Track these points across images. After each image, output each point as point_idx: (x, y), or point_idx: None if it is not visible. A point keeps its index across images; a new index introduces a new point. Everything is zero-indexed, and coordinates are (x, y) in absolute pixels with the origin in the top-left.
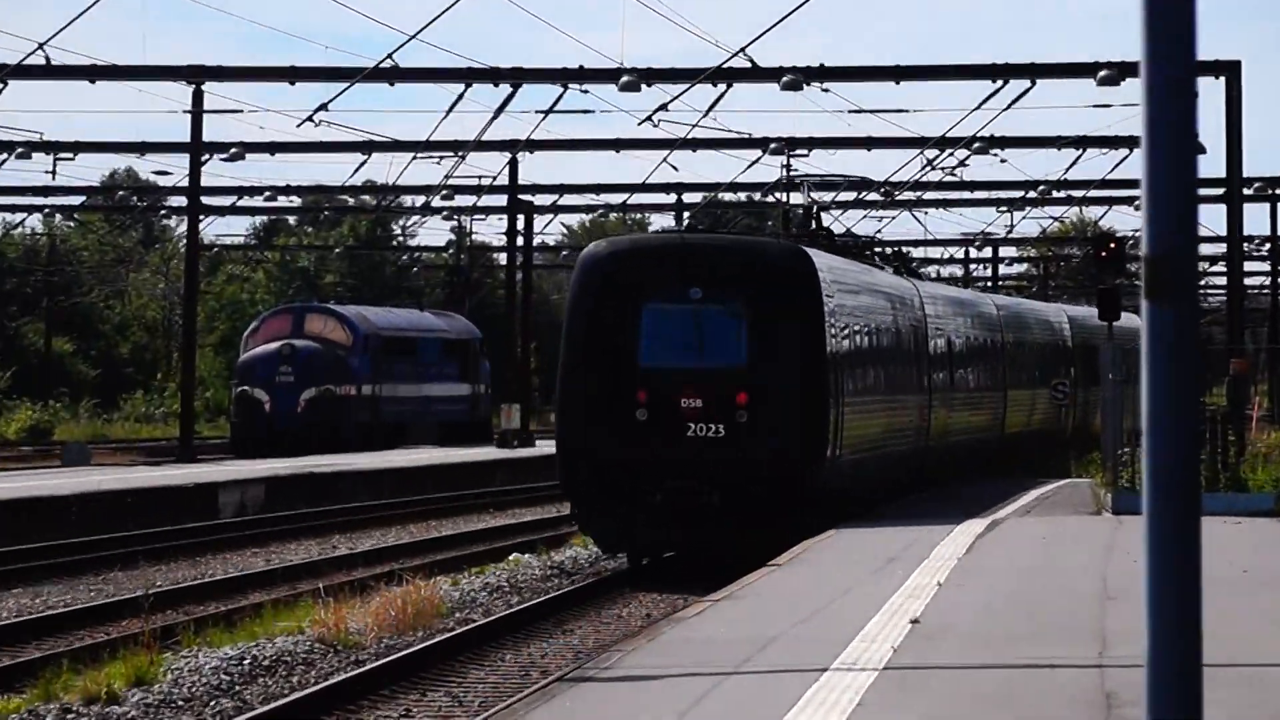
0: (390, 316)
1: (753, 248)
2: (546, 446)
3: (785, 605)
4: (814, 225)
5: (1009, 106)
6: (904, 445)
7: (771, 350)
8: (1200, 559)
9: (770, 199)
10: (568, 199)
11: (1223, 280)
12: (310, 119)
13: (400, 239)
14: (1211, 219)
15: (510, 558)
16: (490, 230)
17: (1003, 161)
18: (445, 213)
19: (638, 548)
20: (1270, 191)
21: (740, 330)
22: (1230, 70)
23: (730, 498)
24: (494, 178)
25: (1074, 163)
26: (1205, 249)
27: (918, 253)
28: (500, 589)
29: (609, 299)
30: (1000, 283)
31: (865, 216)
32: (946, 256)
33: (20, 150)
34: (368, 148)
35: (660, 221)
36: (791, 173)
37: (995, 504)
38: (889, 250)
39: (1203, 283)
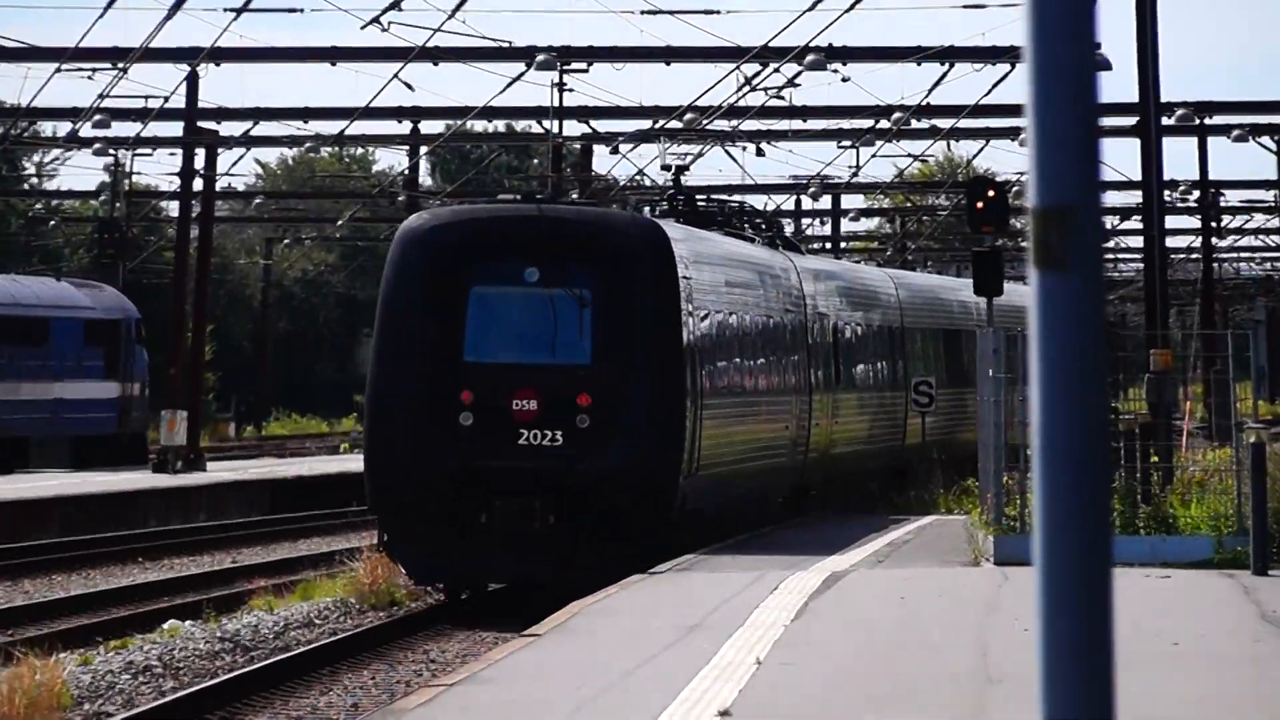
0: (7, 288)
1: (598, 220)
2: (223, 472)
3: (543, 693)
4: (674, 188)
5: (853, 6)
6: (779, 458)
7: (619, 343)
8: (1112, 628)
9: (537, 128)
10: (265, 128)
11: (1138, 241)
12: None
13: (34, 180)
14: (1121, 158)
15: (165, 626)
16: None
17: (845, 81)
18: (97, 145)
19: (459, 579)
20: (1198, 121)
21: (582, 319)
22: None
23: (569, 518)
24: (165, 99)
25: (938, 82)
26: (1113, 198)
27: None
28: (149, 670)
29: (429, 281)
30: (843, 242)
31: (663, 152)
32: (771, 208)
33: None
34: None
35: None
36: (567, 90)
37: (835, 547)
38: (759, 219)
39: (1111, 244)
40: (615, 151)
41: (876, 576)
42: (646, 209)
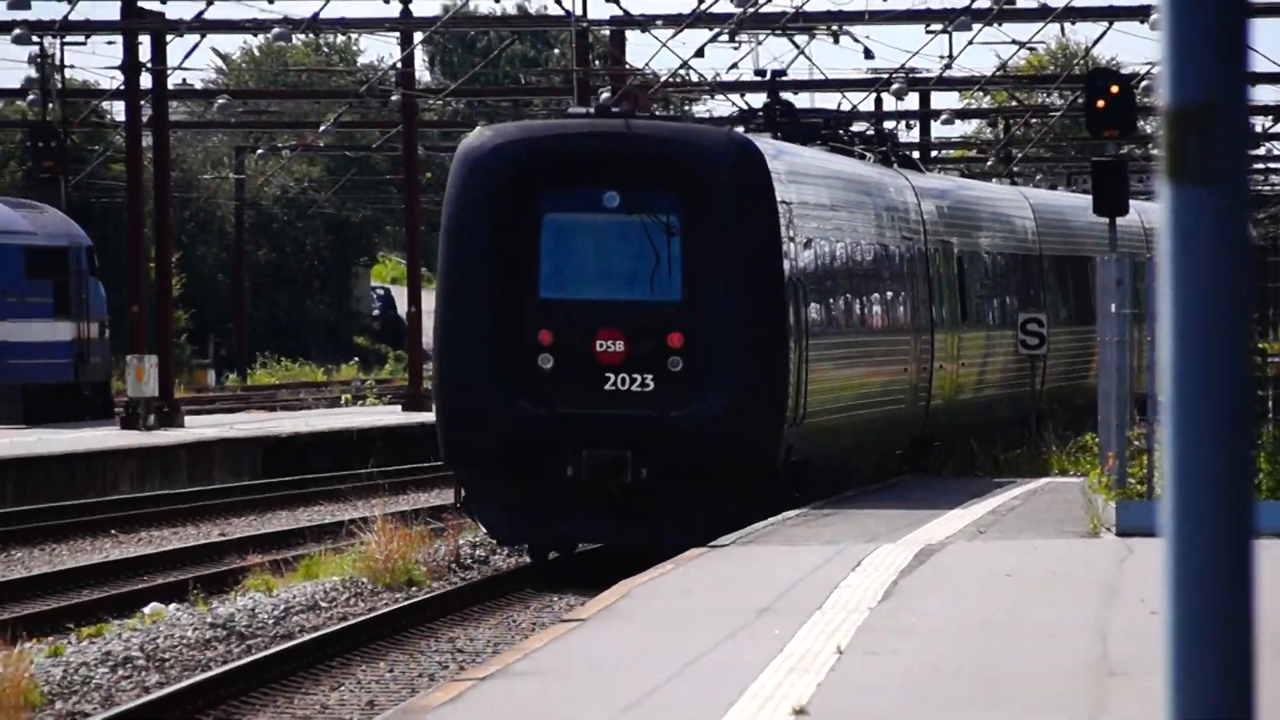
0: None
1: (685, 138)
2: (204, 428)
3: (588, 689)
4: (771, 99)
5: None
6: (897, 405)
7: (712, 276)
8: (1255, 610)
9: (556, 8)
10: (221, 8)
11: None
12: None
13: None
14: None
15: (146, 610)
16: (96, 64)
17: None
18: (17, 31)
19: (543, 538)
20: None
21: (670, 250)
22: None
23: (663, 471)
24: None
25: None
26: (1264, 94)
27: (801, 100)
28: (129, 662)
29: (497, 209)
30: (934, 150)
31: (712, 40)
32: (847, 109)
33: None
34: None
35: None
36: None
37: (928, 515)
38: (871, 131)
39: (1260, 151)
40: (655, 37)
41: (977, 550)
42: (740, 124)
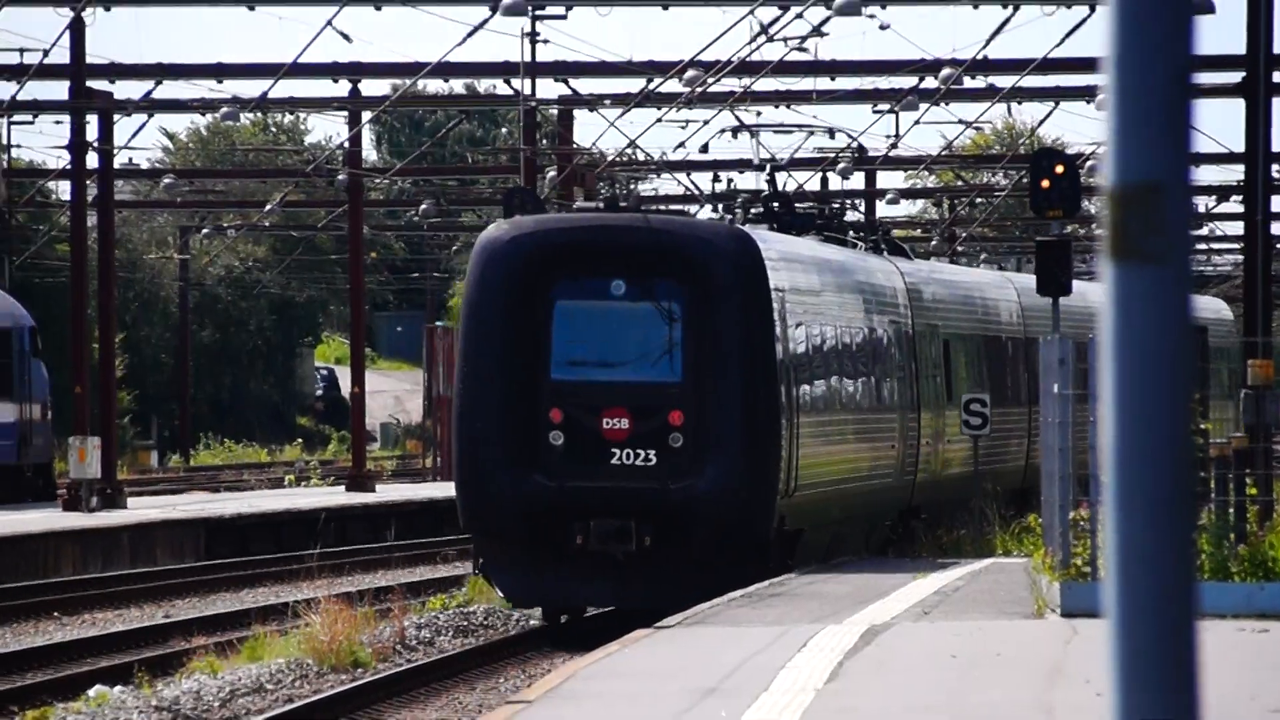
0: None
1: (685, 230)
2: (147, 509)
3: None
4: (769, 188)
5: None
6: (884, 479)
7: (711, 359)
8: (1200, 692)
9: (505, 88)
10: (170, 88)
11: (1237, 227)
12: None
13: None
14: (1221, 125)
15: (91, 693)
16: (43, 143)
17: (884, 29)
18: None
19: (554, 601)
20: None
21: (672, 334)
22: None
23: (664, 540)
24: (45, 52)
25: (999, 30)
26: (1207, 174)
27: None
28: None
29: (511, 295)
30: (879, 231)
31: (657, 121)
32: (793, 188)
33: None
34: None
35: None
36: (541, 42)
37: (872, 596)
38: (861, 222)
39: (1203, 230)
40: (604, 116)
41: (923, 631)
42: (738, 213)
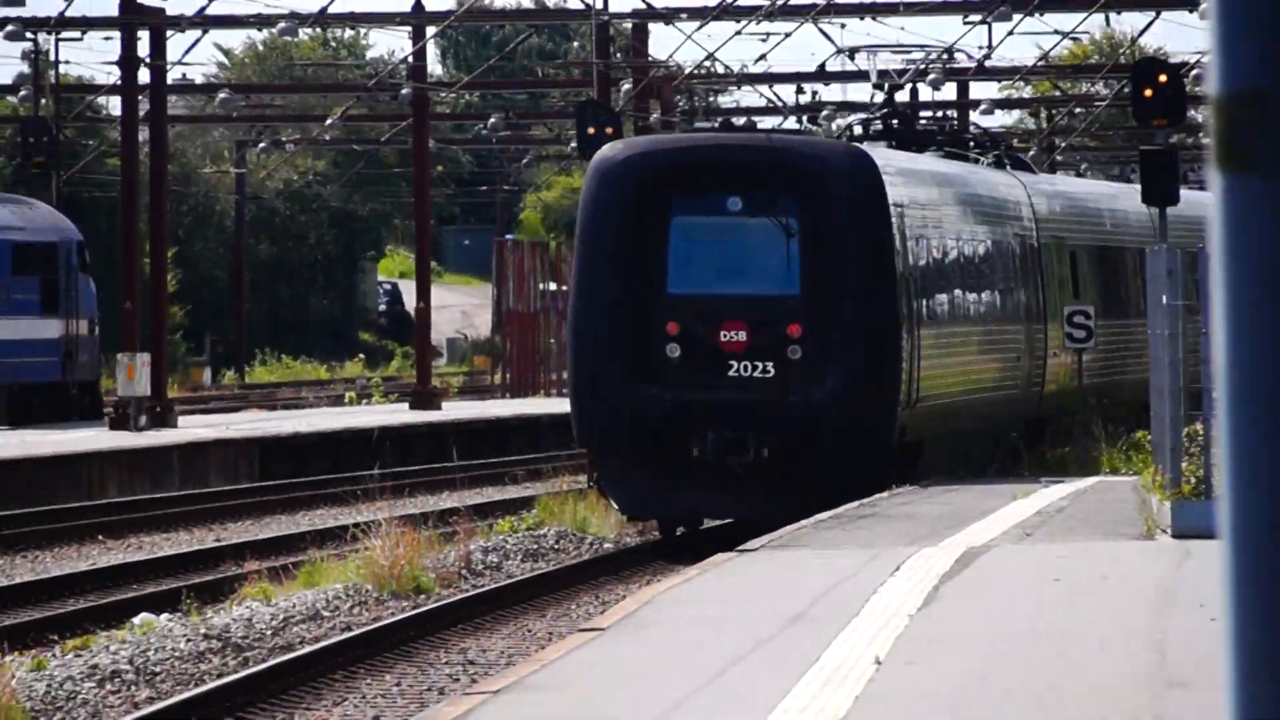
0: None
1: (802, 148)
2: (198, 428)
3: (607, 704)
4: (886, 108)
5: None
6: (1010, 390)
7: (828, 272)
8: None
9: (576, 2)
10: (224, 3)
11: None
12: None
13: None
14: None
15: (136, 620)
16: (92, 59)
17: None
18: (10, 27)
19: (669, 513)
20: None
21: (789, 248)
22: None
23: (783, 451)
24: None
25: None
26: None
27: (829, 93)
28: (118, 676)
29: (629, 212)
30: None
31: (736, 34)
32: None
33: None
34: None
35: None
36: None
37: (969, 517)
38: (984, 135)
39: None
40: (680, 30)
41: (1023, 554)
42: (858, 129)
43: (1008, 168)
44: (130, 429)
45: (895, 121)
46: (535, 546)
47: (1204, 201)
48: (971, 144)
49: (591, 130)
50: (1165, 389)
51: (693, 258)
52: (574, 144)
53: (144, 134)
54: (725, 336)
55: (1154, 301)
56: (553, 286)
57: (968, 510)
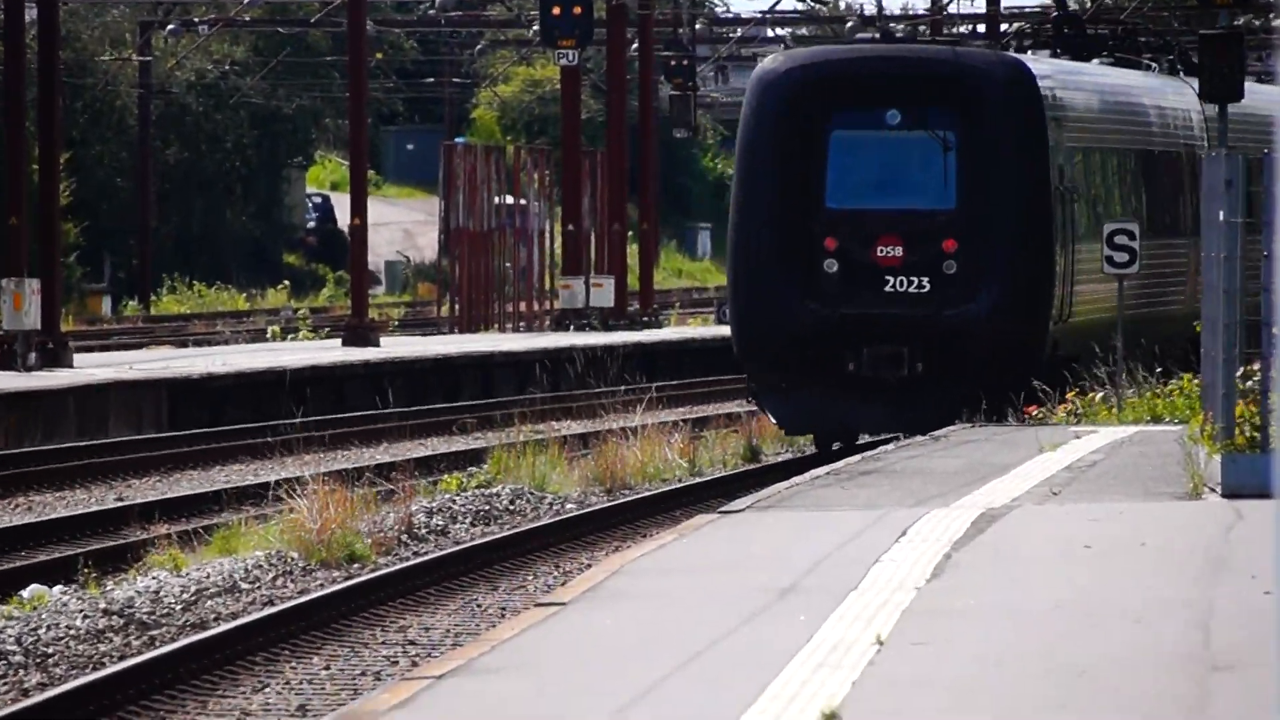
0: None
1: (959, 61)
2: (97, 368)
3: (569, 688)
4: (1057, 11)
5: None
6: (1172, 305)
7: (984, 187)
8: None
9: None
10: None
11: None
12: None
13: None
14: None
15: (26, 593)
16: None
17: None
18: None
19: (826, 427)
20: None
21: (946, 163)
22: None
23: (937, 366)
24: None
25: None
26: None
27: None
28: (4, 658)
29: (787, 126)
30: (1003, 23)
31: None
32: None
33: None
34: None
35: None
36: None
37: (988, 473)
38: (1158, 40)
39: None
40: None
41: (1050, 515)
42: (1019, 39)
43: (1181, 74)
44: (17, 368)
45: (1065, 27)
46: (487, 507)
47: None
48: (1144, 49)
49: (557, 9)
50: (1219, 322)
51: (851, 172)
52: (536, 27)
53: (30, 13)
54: (882, 252)
55: (1209, 218)
56: (509, 200)
57: (986, 465)
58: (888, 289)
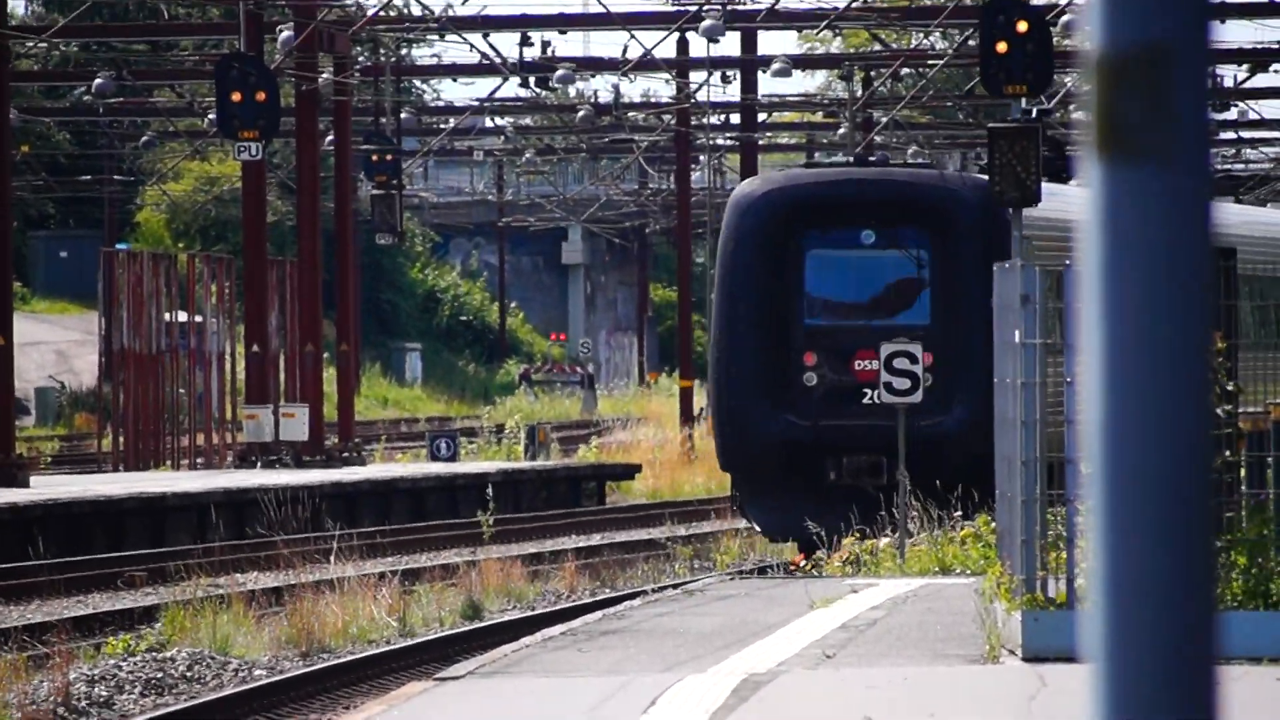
0: None
1: (931, 182)
2: None
3: None
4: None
5: None
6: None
7: (957, 303)
8: None
9: None
10: None
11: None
12: None
13: None
14: None
15: None
16: None
17: None
18: None
19: (807, 533)
20: None
21: (920, 280)
22: None
23: (914, 475)
24: None
25: None
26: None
27: (568, 45)
28: None
29: (765, 246)
30: (761, 113)
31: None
32: (637, 53)
33: None
34: None
35: None
36: None
37: (753, 631)
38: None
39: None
40: None
41: (823, 682)
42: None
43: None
44: None
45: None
46: (160, 675)
47: (1074, 198)
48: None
49: (238, 95)
50: (1015, 458)
51: (828, 289)
52: (212, 115)
53: None
54: (859, 366)
55: (1003, 337)
56: (183, 317)
57: (748, 624)
58: (865, 401)
